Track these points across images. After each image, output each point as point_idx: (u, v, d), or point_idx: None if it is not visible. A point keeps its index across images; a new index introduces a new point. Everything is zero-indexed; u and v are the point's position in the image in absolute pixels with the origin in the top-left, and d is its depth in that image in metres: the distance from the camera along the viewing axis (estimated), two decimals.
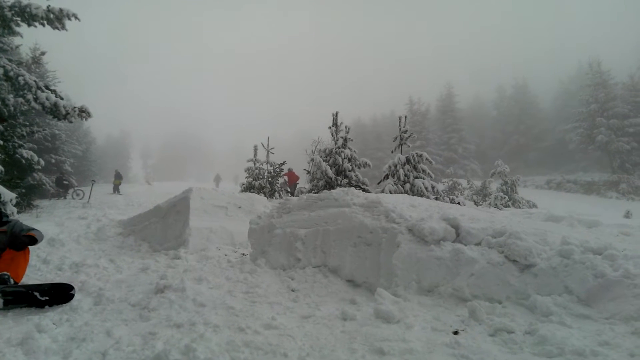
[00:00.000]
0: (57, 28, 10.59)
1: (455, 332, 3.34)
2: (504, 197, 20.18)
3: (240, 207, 8.40)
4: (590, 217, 8.04)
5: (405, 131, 14.37)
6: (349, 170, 14.70)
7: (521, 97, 54.64)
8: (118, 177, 23.83)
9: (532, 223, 5.76)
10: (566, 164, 45.67)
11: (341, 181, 14.27)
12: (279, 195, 15.78)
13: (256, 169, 16.35)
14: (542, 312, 3.52)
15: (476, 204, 19.48)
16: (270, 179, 16.01)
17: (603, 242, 4.24)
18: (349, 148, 15.16)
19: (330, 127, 15.45)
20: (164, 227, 7.72)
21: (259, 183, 15.80)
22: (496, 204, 19.00)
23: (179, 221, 7.54)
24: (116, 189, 23.10)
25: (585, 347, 2.76)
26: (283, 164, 16.45)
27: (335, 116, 15.43)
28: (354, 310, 3.89)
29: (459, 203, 12.60)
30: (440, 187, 22.12)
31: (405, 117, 14.80)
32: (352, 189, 6.47)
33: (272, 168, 16.50)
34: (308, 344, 3.17)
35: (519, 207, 18.99)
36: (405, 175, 13.42)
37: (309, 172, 15.83)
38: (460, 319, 3.64)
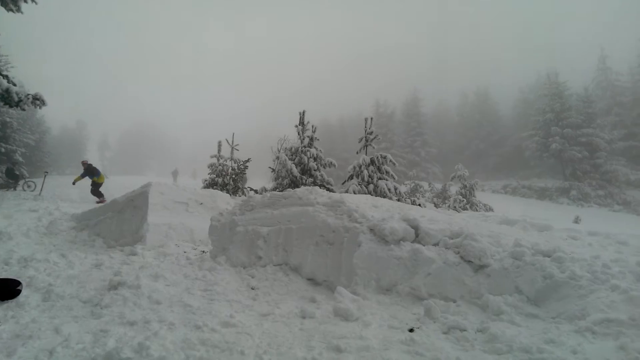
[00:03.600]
0: (12, 10, 10.03)
1: (411, 330, 3.42)
2: (463, 200, 20.82)
3: (201, 204, 8.24)
4: (542, 222, 8.39)
5: (371, 133, 14.54)
6: (315, 170, 14.72)
7: (482, 104, 56.54)
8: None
9: (488, 226, 5.97)
10: (522, 170, 47.58)
11: (306, 180, 14.27)
12: (243, 193, 15.61)
13: (220, 165, 16.09)
14: (493, 311, 3.66)
15: (436, 206, 19.98)
16: (234, 176, 15.80)
17: (552, 245, 4.44)
18: (315, 147, 15.18)
19: (296, 126, 15.42)
20: (120, 222, 7.46)
21: (223, 180, 15.57)
22: (455, 207, 19.57)
23: (136, 216, 7.32)
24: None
25: (532, 344, 2.89)
26: (248, 160, 16.28)
27: (302, 115, 15.41)
28: (314, 309, 3.90)
29: (420, 205, 12.88)
30: (402, 188, 22.52)
31: (371, 118, 14.97)
32: (317, 188, 6.49)
33: (236, 165, 16.29)
34: (266, 341, 3.16)
35: (477, 210, 19.64)
36: (370, 176, 13.59)
37: (273, 170, 15.73)
38: (416, 317, 3.73)
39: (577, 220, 21.43)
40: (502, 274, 4.05)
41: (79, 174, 14.93)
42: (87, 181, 14.96)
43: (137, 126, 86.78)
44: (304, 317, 3.71)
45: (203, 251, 6.42)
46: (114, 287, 4.34)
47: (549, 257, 4.09)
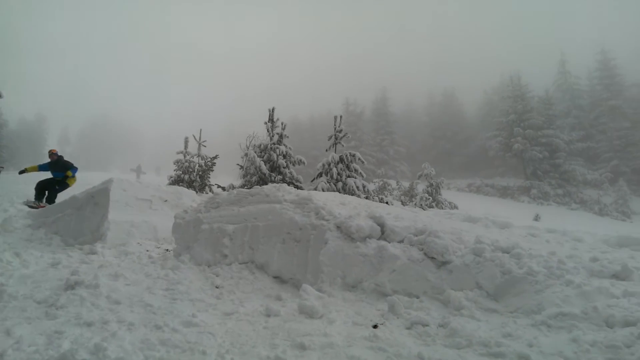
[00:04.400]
0: None
1: (375, 326, 3.45)
2: (429, 198, 21.25)
3: (166, 201, 8.05)
4: (504, 219, 8.67)
5: (340, 131, 14.62)
6: (284, 167, 14.65)
7: (449, 105, 57.93)
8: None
9: (452, 223, 6.11)
10: (486, 169, 49.04)
11: (275, 177, 14.19)
12: (210, 190, 15.36)
13: (186, 161, 15.77)
14: (454, 306, 3.74)
15: (403, 204, 20.31)
16: (201, 173, 15.53)
17: (511, 242, 4.59)
18: (284, 145, 15.11)
19: (266, 123, 15.30)
20: (79, 219, 7.18)
21: (189, 177, 15.27)
22: (421, 205, 19.95)
23: (96, 214, 7.06)
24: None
25: (490, 338, 2.97)
26: (215, 157, 16.04)
27: (271, 112, 15.31)
28: (279, 307, 3.88)
29: (387, 203, 13.05)
30: (371, 186, 22.77)
31: (341, 117, 15.04)
32: (284, 185, 6.45)
33: (203, 162, 16.01)
34: (229, 340, 3.11)
35: (442, 208, 20.09)
36: (338, 173, 13.66)
37: (242, 167, 15.56)
38: (380, 313, 3.77)
39: (537, 218, 22.30)
40: (464, 270, 4.15)
41: (34, 165, 11.40)
42: (43, 176, 12.62)
43: (99, 120, 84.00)
44: (268, 316, 3.69)
45: (167, 249, 6.28)
46: (70, 286, 4.18)
47: (508, 253, 4.22)
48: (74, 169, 10.79)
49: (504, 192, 41.15)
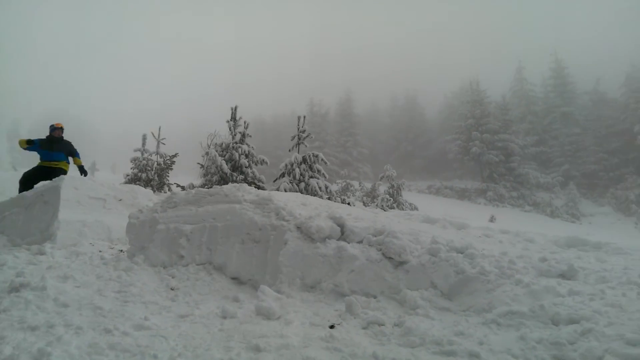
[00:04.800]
0: None
1: (332, 326, 3.47)
2: (390, 200, 21.61)
3: (120, 200, 7.76)
4: (461, 220, 8.93)
5: (304, 131, 14.61)
6: (246, 167, 14.49)
7: (411, 108, 59.22)
8: None
9: (410, 224, 6.23)
10: (445, 171, 50.50)
11: (237, 177, 14.00)
12: (169, 189, 14.97)
13: (144, 159, 15.30)
14: (410, 305, 3.82)
15: (365, 204, 20.54)
16: (159, 171, 15.11)
17: (465, 242, 4.73)
18: (246, 144, 14.94)
19: (228, 121, 15.07)
20: (27, 218, 6.81)
21: (146, 175, 14.82)
22: (382, 206, 20.26)
23: (46, 212, 6.71)
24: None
25: (443, 337, 3.04)
26: (175, 155, 15.65)
27: (234, 110, 15.09)
28: (236, 308, 3.83)
29: (349, 203, 13.16)
30: (334, 187, 22.92)
31: (304, 117, 15.03)
32: (245, 185, 6.37)
33: (162, 160, 15.59)
34: (182, 343, 3.03)
35: (403, 209, 20.48)
36: (301, 174, 13.65)
37: (202, 166, 15.25)
38: (338, 314, 3.79)
39: (492, 220, 23.15)
40: (420, 269, 4.24)
41: (28, 138, 8.61)
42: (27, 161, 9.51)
43: (55, 114, 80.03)
44: (224, 317, 3.62)
45: (121, 250, 6.05)
46: (15, 289, 3.95)
47: (462, 253, 4.35)
48: (75, 153, 8.79)
49: (462, 194, 42.52)
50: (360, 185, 29.50)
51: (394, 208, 20.51)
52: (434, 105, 59.76)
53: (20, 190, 8.12)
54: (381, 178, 25.43)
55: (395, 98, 62.29)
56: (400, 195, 23.02)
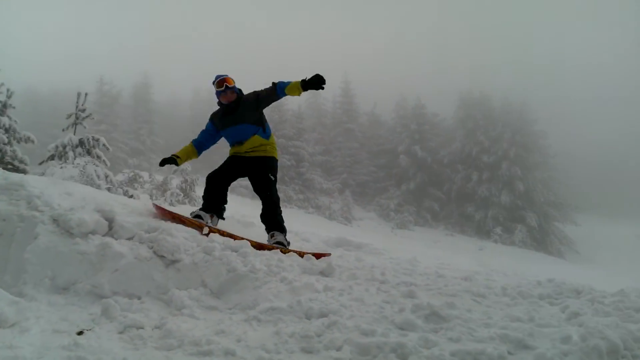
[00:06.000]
0: None
1: (80, 333, 3.07)
2: (181, 194, 20.86)
3: None
4: (248, 219, 9.16)
5: (84, 110, 12.84)
6: (4, 143, 11.90)
7: (212, 101, 58.56)
8: None
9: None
10: None
11: None
12: None
13: None
14: (176, 305, 3.67)
15: (153, 198, 19.31)
16: None
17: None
18: (8, 116, 12.31)
19: None
20: None
21: None
22: (172, 200, 19.40)
23: None
24: None
25: (203, 336, 3.00)
26: None
27: None
28: None
29: (132, 196, 12.13)
30: (120, 177, 20.81)
31: (86, 94, 13.17)
32: None
33: None
34: None
35: (194, 205, 19.97)
36: (75, 158, 11.94)
37: None
38: (92, 318, 3.38)
39: None
40: (192, 268, 4.14)
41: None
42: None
43: None
44: None
45: None
46: None
47: (236, 252, 4.44)
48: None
49: (254, 194, 44.04)
50: (150, 177, 27.49)
51: (185, 203, 19.84)
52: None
53: (206, 206, 5.77)
54: (174, 171, 24.25)
55: (197, 90, 60.35)
56: (194, 191, 22.38)
